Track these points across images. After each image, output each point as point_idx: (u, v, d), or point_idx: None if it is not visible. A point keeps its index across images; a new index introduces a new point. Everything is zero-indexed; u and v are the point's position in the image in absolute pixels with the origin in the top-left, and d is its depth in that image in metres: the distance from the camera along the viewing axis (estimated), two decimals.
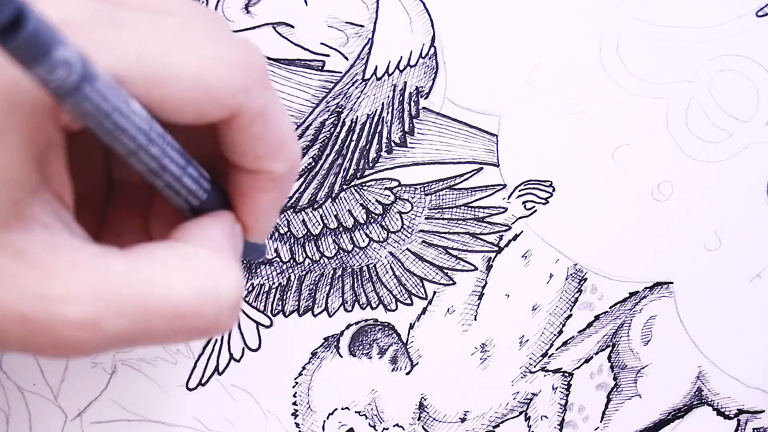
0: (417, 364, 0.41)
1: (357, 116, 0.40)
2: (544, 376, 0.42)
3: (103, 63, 0.25)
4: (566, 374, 0.42)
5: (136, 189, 0.33)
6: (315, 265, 0.41)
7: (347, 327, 0.41)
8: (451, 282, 0.41)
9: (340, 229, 0.40)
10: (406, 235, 0.41)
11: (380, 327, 0.41)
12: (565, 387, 0.42)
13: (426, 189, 0.41)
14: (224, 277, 0.28)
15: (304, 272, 0.41)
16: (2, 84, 0.25)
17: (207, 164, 0.31)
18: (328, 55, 0.40)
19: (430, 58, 0.40)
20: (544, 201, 0.41)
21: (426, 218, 0.41)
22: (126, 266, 0.26)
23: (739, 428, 0.43)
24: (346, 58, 0.40)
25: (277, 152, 0.30)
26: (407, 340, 0.41)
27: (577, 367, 0.42)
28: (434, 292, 0.41)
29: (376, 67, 0.40)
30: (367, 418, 0.42)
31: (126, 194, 0.33)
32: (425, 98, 0.40)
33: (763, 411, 0.43)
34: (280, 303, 0.41)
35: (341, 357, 0.41)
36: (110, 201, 0.33)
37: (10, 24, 0.20)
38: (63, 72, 0.22)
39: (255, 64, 0.28)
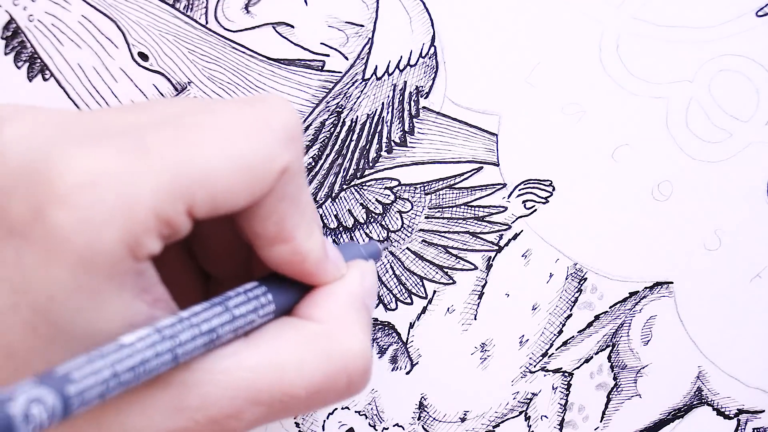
0: (417, 363, 0.41)
1: (357, 116, 0.40)
2: (544, 375, 0.42)
3: (143, 195, 0.26)
4: (566, 374, 0.42)
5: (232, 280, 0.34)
6: None
7: None
8: (451, 281, 0.41)
9: (340, 228, 0.40)
10: (406, 235, 0.41)
11: (380, 326, 0.41)
12: (565, 387, 0.42)
13: (426, 188, 0.41)
14: (351, 351, 0.30)
15: None
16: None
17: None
18: (328, 55, 0.40)
19: (430, 58, 0.40)
20: (544, 200, 0.41)
21: (426, 217, 0.41)
22: (255, 359, 0.28)
23: (739, 428, 0.43)
24: (346, 58, 0.40)
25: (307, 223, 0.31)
26: (407, 339, 0.41)
27: (577, 367, 0.42)
28: (434, 292, 0.41)
29: (376, 66, 0.40)
30: (367, 417, 0.41)
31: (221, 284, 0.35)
32: (425, 98, 0.40)
33: (763, 411, 0.43)
34: None
35: None
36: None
37: None
38: (38, 410, 0.23)
39: (282, 122, 0.29)
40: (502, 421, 0.42)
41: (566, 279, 0.41)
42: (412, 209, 0.41)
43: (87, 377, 0.24)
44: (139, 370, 0.25)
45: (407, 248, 0.41)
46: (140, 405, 0.27)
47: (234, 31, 0.39)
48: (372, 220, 0.41)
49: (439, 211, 0.41)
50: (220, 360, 0.28)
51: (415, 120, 0.40)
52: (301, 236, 0.31)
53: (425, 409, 0.42)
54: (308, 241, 0.31)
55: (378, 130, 0.40)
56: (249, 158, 0.28)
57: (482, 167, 0.41)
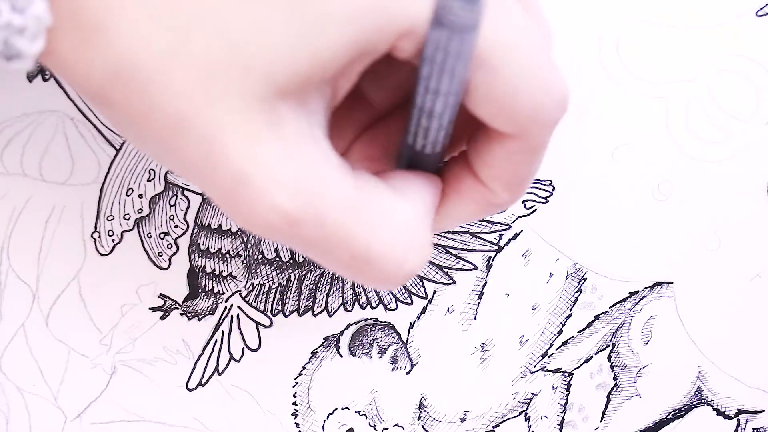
0: (417, 363, 0.41)
1: None
2: (544, 375, 0.42)
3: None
4: (566, 374, 0.42)
5: (366, 108, 0.32)
6: (315, 265, 0.41)
7: (347, 327, 0.41)
8: (451, 281, 0.41)
9: None
10: None
11: (380, 326, 0.41)
12: (565, 387, 0.42)
13: None
14: (417, 248, 0.28)
15: (304, 272, 0.41)
16: None
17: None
18: None
19: None
20: (543, 200, 0.41)
21: None
22: (350, 190, 0.27)
23: (739, 428, 0.43)
24: None
25: (516, 185, 0.30)
26: (407, 339, 0.41)
27: (577, 367, 0.42)
28: (434, 292, 0.41)
29: None
30: (367, 417, 0.42)
31: (353, 106, 0.33)
32: None
33: (763, 411, 0.43)
34: (280, 303, 0.41)
35: (341, 357, 0.41)
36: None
37: None
38: (464, 11, 0.23)
39: (563, 107, 0.28)
40: (502, 421, 0.42)
41: (566, 279, 0.41)
42: None
43: None
44: None
45: None
46: None
47: None
48: None
49: None
50: (333, 168, 0.27)
51: None
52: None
53: (425, 409, 0.42)
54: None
55: None
56: None
57: None
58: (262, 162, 0.25)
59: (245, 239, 0.40)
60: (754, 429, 0.43)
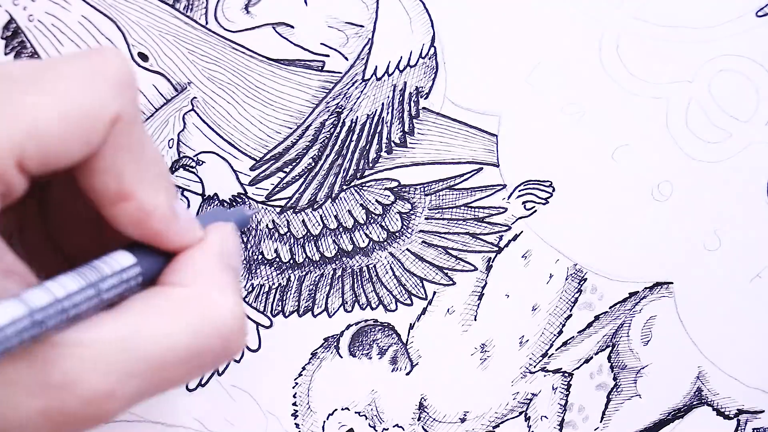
0: (417, 364, 0.41)
1: (357, 116, 0.40)
2: (544, 376, 0.42)
3: None
4: (566, 374, 0.42)
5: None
6: (315, 265, 0.41)
7: (347, 327, 0.41)
8: (451, 282, 0.41)
9: (340, 229, 0.40)
10: (406, 236, 0.41)
11: (380, 327, 0.41)
12: (565, 387, 0.42)
13: (426, 189, 0.41)
14: (220, 310, 0.29)
15: (304, 273, 0.41)
16: None
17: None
18: (328, 56, 0.40)
19: (430, 58, 0.40)
20: (544, 201, 0.41)
21: (426, 218, 0.41)
22: (123, 329, 0.27)
23: (739, 428, 0.43)
24: (346, 59, 0.40)
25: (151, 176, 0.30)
26: (407, 340, 0.41)
27: (577, 367, 0.42)
28: (434, 293, 0.41)
29: (376, 67, 0.40)
30: (367, 418, 0.42)
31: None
32: (425, 98, 0.40)
33: (763, 411, 0.43)
34: (280, 303, 0.41)
35: (341, 357, 0.41)
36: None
37: None
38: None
39: (114, 70, 0.28)
40: (502, 422, 0.42)
41: (566, 279, 0.41)
42: (411, 210, 0.41)
43: None
44: None
45: (407, 249, 0.41)
46: (3, 380, 0.25)
47: (234, 32, 0.39)
48: (372, 220, 0.41)
49: (439, 212, 0.41)
50: (83, 332, 0.26)
51: (415, 121, 0.40)
52: (144, 191, 0.29)
53: (425, 409, 0.42)
54: (153, 196, 0.29)
55: (378, 131, 0.40)
56: (78, 106, 0.27)
57: (482, 168, 0.41)
58: (45, 386, 0.25)
59: (245, 239, 0.40)
60: (754, 429, 0.43)
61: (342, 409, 0.42)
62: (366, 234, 0.41)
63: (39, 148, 0.26)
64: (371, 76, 0.40)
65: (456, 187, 0.41)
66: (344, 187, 0.40)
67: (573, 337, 0.42)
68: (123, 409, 0.27)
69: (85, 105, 0.27)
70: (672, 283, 0.42)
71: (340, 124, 0.40)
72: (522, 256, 0.41)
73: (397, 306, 0.41)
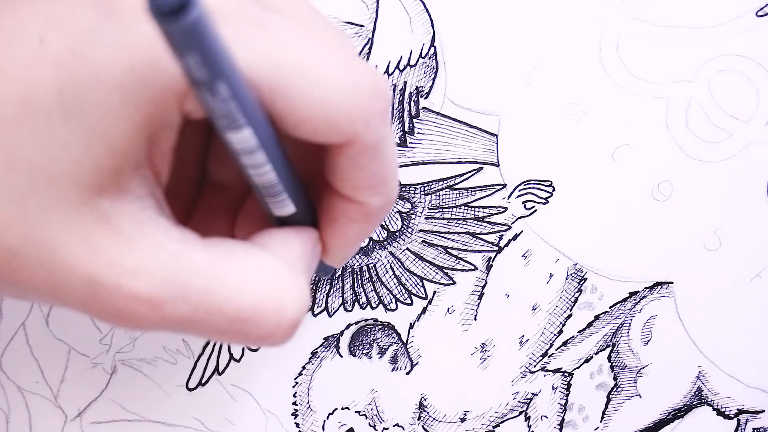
0: (417, 364, 0.41)
1: None
2: (544, 376, 0.42)
3: (238, 58, 0.25)
4: (566, 374, 0.42)
5: (228, 190, 0.33)
6: None
7: (347, 327, 0.41)
8: (451, 282, 0.41)
9: None
10: (406, 235, 0.41)
11: (380, 327, 0.41)
12: (565, 387, 0.42)
13: (426, 189, 0.41)
14: (292, 294, 0.28)
15: None
16: (144, 60, 0.25)
17: (304, 178, 0.30)
18: None
19: (430, 58, 0.40)
20: (544, 201, 0.41)
21: (426, 218, 0.41)
22: (203, 257, 0.27)
23: (739, 428, 0.43)
24: None
25: (379, 187, 0.30)
26: (407, 339, 0.41)
27: (577, 367, 0.42)
28: (434, 292, 0.41)
29: (376, 67, 0.40)
30: (367, 418, 0.42)
31: (217, 193, 0.33)
32: (425, 98, 0.40)
33: (763, 411, 0.43)
34: None
35: (341, 357, 0.41)
36: (201, 197, 0.33)
37: (176, 8, 0.20)
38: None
39: (381, 96, 0.28)
40: (502, 422, 0.42)
41: (566, 279, 0.41)
42: (412, 209, 0.41)
43: None
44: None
45: (407, 249, 0.41)
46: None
47: None
48: None
49: (439, 211, 0.41)
50: (172, 240, 0.26)
51: (415, 120, 0.40)
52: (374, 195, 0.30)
53: (425, 409, 0.42)
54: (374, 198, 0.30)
55: None
56: (337, 106, 0.27)
57: (482, 168, 0.41)
58: (104, 259, 0.25)
59: None
60: (754, 429, 0.43)
61: (342, 409, 0.42)
62: None
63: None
64: None
65: (456, 186, 0.41)
66: None
67: (573, 336, 0.42)
68: (155, 327, 0.26)
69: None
70: (672, 282, 0.42)
71: None
72: (522, 256, 0.41)
73: (397, 305, 0.41)
